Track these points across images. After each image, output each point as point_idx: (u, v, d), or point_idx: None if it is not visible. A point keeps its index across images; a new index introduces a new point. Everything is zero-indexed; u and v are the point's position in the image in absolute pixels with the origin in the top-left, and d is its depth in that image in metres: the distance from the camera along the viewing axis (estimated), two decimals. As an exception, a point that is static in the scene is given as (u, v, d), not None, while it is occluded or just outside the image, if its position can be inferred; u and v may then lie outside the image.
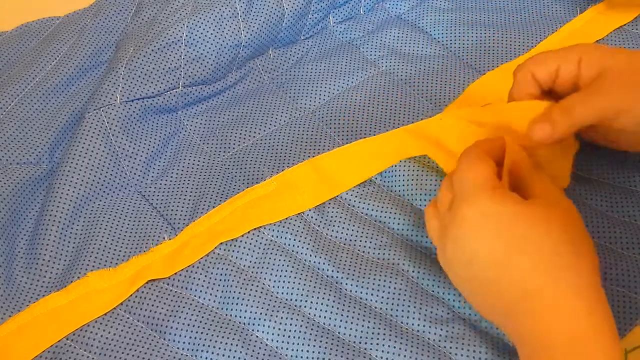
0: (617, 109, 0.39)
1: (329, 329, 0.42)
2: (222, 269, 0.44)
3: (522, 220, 0.34)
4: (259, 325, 0.42)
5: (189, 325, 0.42)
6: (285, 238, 0.46)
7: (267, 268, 0.44)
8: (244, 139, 0.52)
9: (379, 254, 0.44)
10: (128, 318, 0.43)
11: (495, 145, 0.39)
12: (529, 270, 0.34)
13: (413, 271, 0.43)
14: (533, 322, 0.33)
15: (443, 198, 0.38)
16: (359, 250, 0.45)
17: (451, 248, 0.36)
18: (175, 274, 0.45)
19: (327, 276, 0.44)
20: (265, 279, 0.44)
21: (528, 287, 0.33)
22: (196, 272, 0.45)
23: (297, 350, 0.41)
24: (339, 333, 0.42)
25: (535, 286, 0.33)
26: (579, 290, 0.33)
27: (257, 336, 0.42)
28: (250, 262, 0.45)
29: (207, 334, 0.42)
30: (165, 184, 0.50)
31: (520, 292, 0.34)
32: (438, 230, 0.38)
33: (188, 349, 0.42)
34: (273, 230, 0.46)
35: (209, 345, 0.41)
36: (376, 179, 0.48)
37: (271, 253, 0.45)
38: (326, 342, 0.41)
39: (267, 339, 0.42)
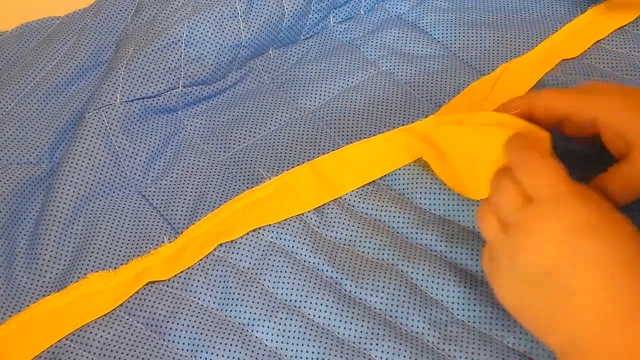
0: None
1: (328, 330, 0.42)
2: (222, 270, 0.44)
3: (609, 230, 0.31)
4: (258, 325, 0.42)
5: (188, 326, 0.42)
6: (285, 239, 0.46)
7: (267, 269, 0.44)
8: (244, 139, 0.52)
9: (378, 254, 0.44)
10: (128, 319, 0.43)
11: (535, 139, 0.36)
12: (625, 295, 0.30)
13: (412, 272, 0.43)
14: (592, 334, 0.30)
15: (509, 196, 0.34)
16: (358, 251, 0.45)
17: (523, 256, 0.33)
18: (175, 275, 0.45)
19: (327, 277, 0.44)
20: (264, 280, 0.44)
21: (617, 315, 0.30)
22: (196, 274, 0.45)
23: (296, 350, 0.41)
24: (338, 333, 0.42)
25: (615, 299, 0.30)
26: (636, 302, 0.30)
27: (256, 337, 0.42)
28: (250, 263, 0.45)
29: (206, 335, 0.42)
30: (165, 184, 0.50)
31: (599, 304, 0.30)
32: (498, 231, 0.35)
33: (188, 350, 0.42)
34: (272, 232, 0.46)
35: (208, 346, 0.41)
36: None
37: (270, 254, 0.45)
38: (326, 343, 0.41)
39: (267, 340, 0.42)
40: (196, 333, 0.42)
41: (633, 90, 0.38)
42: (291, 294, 0.43)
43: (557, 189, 0.33)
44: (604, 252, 0.31)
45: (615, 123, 0.36)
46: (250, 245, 0.45)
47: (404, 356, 0.40)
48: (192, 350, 0.42)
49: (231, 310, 0.43)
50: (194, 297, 0.44)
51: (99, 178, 0.48)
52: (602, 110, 0.37)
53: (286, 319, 0.42)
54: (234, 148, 0.51)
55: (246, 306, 0.43)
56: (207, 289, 0.44)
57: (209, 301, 0.44)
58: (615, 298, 0.30)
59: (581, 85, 0.39)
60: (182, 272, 0.45)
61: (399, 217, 0.46)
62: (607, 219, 0.32)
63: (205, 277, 0.44)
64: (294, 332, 0.42)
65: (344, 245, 0.46)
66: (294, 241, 0.45)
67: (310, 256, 0.45)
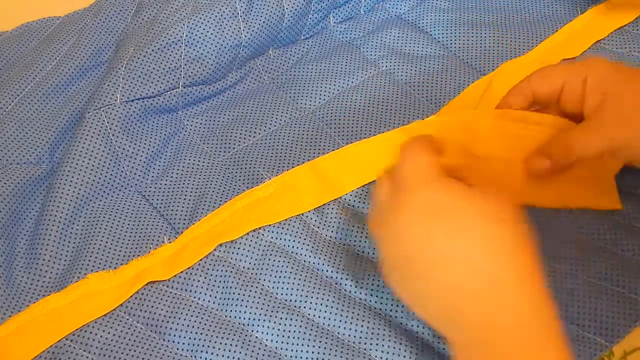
0: (616, 146, 0.39)
1: (328, 330, 0.42)
2: (222, 270, 0.44)
3: (466, 207, 0.33)
4: (258, 325, 0.42)
5: (188, 326, 0.42)
6: (285, 239, 0.46)
7: (267, 269, 0.44)
8: (244, 139, 0.52)
9: (378, 254, 0.44)
10: (128, 319, 0.43)
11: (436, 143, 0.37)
12: (478, 257, 0.32)
13: (413, 272, 0.43)
14: (479, 315, 0.32)
15: (380, 187, 0.36)
16: (358, 251, 0.45)
17: (389, 237, 0.34)
18: (175, 275, 0.45)
19: (327, 277, 0.44)
20: (264, 280, 0.44)
21: (475, 271, 0.32)
22: (196, 274, 0.45)
23: (296, 350, 0.41)
24: (338, 333, 0.42)
25: (480, 272, 0.32)
26: (520, 284, 0.32)
27: (256, 337, 0.42)
28: (250, 263, 0.45)
29: (206, 335, 0.42)
30: (165, 184, 0.50)
31: (464, 277, 0.32)
32: (376, 218, 0.36)
33: (188, 350, 0.42)
34: (272, 232, 0.46)
35: (208, 346, 0.41)
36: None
37: (270, 254, 0.45)
38: (326, 343, 0.41)
39: (267, 340, 0.42)
40: (196, 333, 0.42)
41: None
42: (291, 294, 0.43)
43: (414, 179, 0.34)
44: (456, 232, 0.32)
45: (597, 80, 0.39)
46: (250, 245, 0.45)
47: (404, 356, 0.40)
48: (192, 350, 0.42)
49: (231, 310, 0.43)
50: (194, 297, 0.44)
51: (99, 178, 0.48)
52: (590, 71, 0.40)
53: (286, 319, 0.42)
54: (234, 148, 0.51)
55: (246, 306, 0.43)
56: (207, 289, 0.44)
57: (209, 301, 0.44)
58: (475, 272, 0.32)
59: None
60: (182, 272, 0.45)
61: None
62: (462, 201, 0.33)
63: (205, 277, 0.44)
64: (294, 332, 0.42)
65: (344, 245, 0.46)
66: (294, 241, 0.45)
67: (310, 256, 0.45)
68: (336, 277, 0.44)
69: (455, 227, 0.32)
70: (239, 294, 0.43)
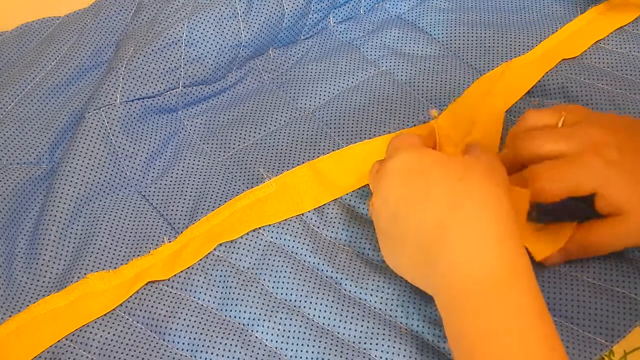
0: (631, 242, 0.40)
1: (328, 329, 0.42)
2: (222, 270, 0.44)
3: (440, 166, 0.36)
4: (258, 325, 0.42)
5: (188, 326, 0.42)
6: (285, 239, 0.46)
7: (267, 269, 0.44)
8: (244, 139, 0.52)
9: (378, 254, 0.44)
10: (127, 319, 0.43)
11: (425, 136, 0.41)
12: (445, 210, 0.34)
13: (412, 272, 0.43)
14: (449, 265, 0.34)
15: (374, 167, 0.40)
16: (358, 251, 0.45)
17: (377, 204, 0.38)
18: (175, 275, 0.45)
19: (327, 277, 0.44)
20: (264, 280, 0.44)
21: (443, 224, 0.34)
22: (195, 274, 0.45)
23: (296, 350, 0.41)
24: (338, 333, 0.42)
25: (450, 224, 0.34)
26: (489, 234, 0.34)
27: (256, 337, 0.42)
28: (250, 263, 0.45)
29: (206, 335, 0.42)
30: (165, 184, 0.50)
31: (436, 231, 0.34)
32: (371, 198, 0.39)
33: (187, 350, 0.42)
34: (272, 232, 0.46)
35: (208, 346, 0.41)
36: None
37: (270, 254, 0.45)
38: (325, 343, 0.41)
39: (267, 340, 0.42)
40: (196, 333, 0.42)
41: (626, 136, 0.40)
42: (291, 294, 0.43)
43: (398, 148, 0.38)
44: (429, 189, 0.35)
45: (612, 194, 0.38)
46: (250, 245, 0.45)
47: (404, 356, 0.40)
48: (192, 350, 0.42)
49: (231, 310, 0.43)
50: (194, 297, 0.44)
51: (99, 178, 0.48)
52: (599, 181, 0.38)
53: (286, 319, 0.42)
54: (233, 148, 0.51)
55: (246, 306, 0.43)
56: (207, 289, 0.44)
57: (208, 301, 0.44)
58: (443, 226, 0.34)
59: (573, 130, 0.40)
60: (182, 272, 0.45)
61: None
62: (431, 163, 0.36)
63: (205, 277, 0.44)
64: (294, 332, 0.42)
65: (344, 245, 0.46)
66: (293, 241, 0.45)
67: (310, 256, 0.45)
68: (336, 277, 0.44)
69: (425, 185, 0.35)
70: (238, 294, 0.43)
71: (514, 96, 0.51)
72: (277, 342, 0.42)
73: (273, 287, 0.44)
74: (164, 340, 0.42)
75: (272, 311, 0.43)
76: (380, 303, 0.43)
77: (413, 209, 0.36)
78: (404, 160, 0.37)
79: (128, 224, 0.48)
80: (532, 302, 0.33)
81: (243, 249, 0.45)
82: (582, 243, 0.40)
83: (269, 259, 0.45)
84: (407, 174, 0.37)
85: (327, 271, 0.44)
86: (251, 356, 0.41)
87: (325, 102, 0.53)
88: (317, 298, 0.43)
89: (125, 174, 0.49)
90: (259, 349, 0.41)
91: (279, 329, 0.42)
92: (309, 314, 0.43)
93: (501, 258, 0.34)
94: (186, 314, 0.43)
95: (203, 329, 0.42)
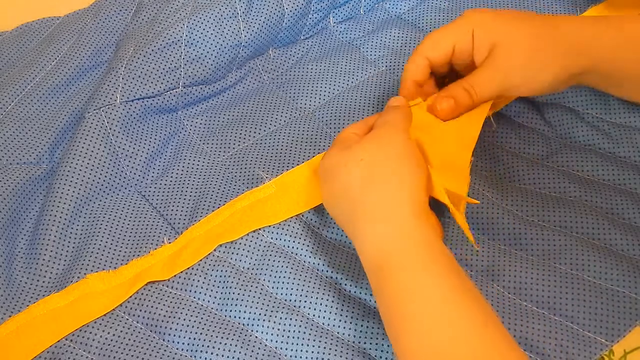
0: (510, 85, 0.42)
1: (328, 329, 0.42)
2: (222, 270, 0.44)
3: (346, 153, 0.40)
4: (258, 325, 0.42)
5: (188, 326, 0.42)
6: (285, 239, 0.46)
7: (266, 269, 0.44)
8: (244, 139, 0.52)
9: (378, 254, 0.44)
10: (127, 319, 0.43)
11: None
12: (356, 190, 0.39)
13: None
14: (361, 240, 0.38)
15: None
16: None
17: (322, 174, 0.42)
18: (175, 275, 0.45)
19: (326, 277, 0.44)
20: (264, 280, 0.44)
21: (355, 197, 0.39)
22: (195, 274, 0.45)
23: (296, 350, 0.41)
24: (338, 333, 0.42)
25: (360, 196, 0.38)
26: (392, 213, 0.37)
27: (256, 337, 0.42)
28: (250, 263, 0.45)
29: (206, 335, 0.42)
30: (165, 184, 0.50)
31: (352, 209, 0.39)
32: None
33: (187, 350, 0.42)
34: (272, 232, 0.46)
35: (208, 346, 0.41)
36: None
37: (270, 255, 0.45)
38: (325, 342, 0.41)
39: (267, 340, 0.42)
40: (196, 333, 0.42)
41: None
42: (291, 294, 0.43)
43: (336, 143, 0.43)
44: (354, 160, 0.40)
45: (485, 31, 0.42)
46: (250, 246, 0.45)
47: (404, 356, 0.40)
48: (192, 350, 0.42)
49: (231, 311, 0.43)
50: (194, 297, 0.44)
51: (99, 178, 0.48)
52: (475, 24, 0.43)
53: (286, 319, 0.42)
54: (233, 148, 0.51)
55: (246, 306, 0.43)
56: (207, 289, 0.44)
57: (208, 301, 0.44)
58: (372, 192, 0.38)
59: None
60: (182, 272, 0.45)
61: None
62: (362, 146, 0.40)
63: (205, 278, 0.44)
64: (294, 332, 0.42)
65: (344, 245, 0.46)
66: (293, 241, 0.45)
67: (310, 256, 0.45)
68: (336, 277, 0.44)
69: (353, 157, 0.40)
70: (238, 294, 0.43)
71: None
72: (277, 342, 0.42)
73: (273, 287, 0.44)
74: (164, 340, 0.42)
75: (272, 311, 0.42)
76: (380, 303, 0.43)
77: (337, 192, 0.40)
78: (327, 162, 0.41)
79: (128, 224, 0.48)
80: (439, 277, 0.35)
81: (243, 250, 0.45)
82: (464, 86, 0.42)
83: (269, 260, 0.45)
84: (343, 149, 0.41)
85: (327, 271, 0.44)
86: (251, 356, 0.41)
87: (325, 102, 0.53)
88: (317, 298, 0.43)
89: (125, 174, 0.49)
90: (259, 349, 0.41)
91: (279, 329, 0.42)
92: (308, 314, 0.43)
93: (410, 233, 0.36)
94: (186, 314, 0.43)
95: (203, 329, 0.42)
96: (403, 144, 0.40)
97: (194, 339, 0.42)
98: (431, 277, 0.34)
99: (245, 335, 0.42)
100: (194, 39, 0.51)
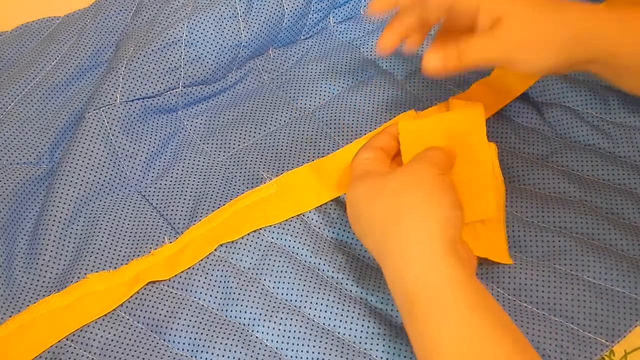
0: (508, 58, 0.40)
1: (328, 329, 0.42)
2: (222, 270, 0.44)
3: (375, 188, 0.40)
4: (258, 325, 0.42)
5: (188, 326, 0.42)
6: (285, 239, 0.46)
7: (267, 269, 0.44)
8: (244, 139, 0.52)
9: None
10: (128, 319, 0.43)
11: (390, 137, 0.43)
12: (387, 224, 0.38)
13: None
14: (393, 272, 0.38)
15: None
16: (358, 251, 0.45)
17: (349, 206, 0.41)
18: (175, 275, 0.45)
19: (327, 277, 0.44)
20: (265, 280, 0.44)
21: (385, 236, 0.38)
22: (196, 274, 0.45)
23: (297, 350, 0.41)
24: (338, 333, 0.42)
25: (390, 236, 0.38)
26: (423, 250, 0.36)
27: (256, 337, 0.42)
28: (250, 263, 0.45)
29: (207, 335, 0.42)
30: (165, 184, 0.50)
31: (382, 241, 0.38)
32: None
33: (188, 350, 0.42)
34: (273, 232, 0.46)
35: (208, 346, 0.41)
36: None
37: (271, 254, 0.45)
38: (326, 342, 0.41)
39: (267, 340, 0.42)
40: (196, 333, 0.42)
41: None
42: (291, 294, 0.43)
43: (356, 170, 0.42)
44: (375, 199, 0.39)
45: (492, 1, 0.40)
46: (250, 246, 0.45)
47: (404, 356, 0.40)
48: (192, 350, 0.42)
49: (231, 311, 0.43)
50: (195, 297, 0.44)
51: (99, 178, 0.48)
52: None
53: (286, 319, 0.42)
54: (233, 148, 0.51)
55: (246, 306, 0.43)
56: (207, 289, 0.44)
57: (209, 301, 0.44)
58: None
59: None
60: (182, 272, 0.45)
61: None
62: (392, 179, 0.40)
63: (205, 277, 0.44)
64: (294, 332, 0.42)
65: (345, 245, 0.46)
66: (294, 241, 0.45)
67: (310, 256, 0.45)
68: (336, 277, 0.44)
69: (369, 209, 0.39)
70: (239, 294, 0.43)
71: (505, 98, 0.51)
72: (277, 342, 0.42)
73: (273, 287, 0.44)
74: (164, 340, 0.42)
75: (272, 311, 0.43)
76: (381, 303, 0.43)
77: (366, 224, 0.40)
78: (352, 193, 0.41)
79: (128, 224, 0.48)
80: (468, 313, 0.35)
81: (244, 250, 0.45)
82: (458, 49, 0.40)
83: (269, 259, 0.45)
84: (355, 201, 0.40)
85: (327, 271, 0.44)
86: (251, 356, 0.41)
87: (325, 102, 0.53)
88: (317, 298, 0.43)
89: (125, 174, 0.49)
90: (259, 349, 0.41)
91: (279, 329, 0.42)
92: (309, 314, 0.43)
93: (440, 271, 0.36)
94: (186, 314, 0.43)
95: (203, 329, 0.42)
96: (435, 179, 0.39)
97: (195, 338, 0.42)
98: (460, 315, 0.35)
99: (246, 335, 0.42)
100: (194, 39, 0.51)
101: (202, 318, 0.43)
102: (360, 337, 0.41)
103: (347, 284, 0.44)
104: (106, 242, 0.46)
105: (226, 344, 0.41)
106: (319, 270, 0.44)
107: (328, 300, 0.43)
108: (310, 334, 0.41)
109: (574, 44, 0.40)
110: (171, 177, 0.50)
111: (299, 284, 0.44)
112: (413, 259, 0.36)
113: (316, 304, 0.43)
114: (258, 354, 0.41)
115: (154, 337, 0.42)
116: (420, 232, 0.37)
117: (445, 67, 0.41)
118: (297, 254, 0.45)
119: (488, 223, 0.44)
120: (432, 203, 0.38)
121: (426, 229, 0.37)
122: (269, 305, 0.43)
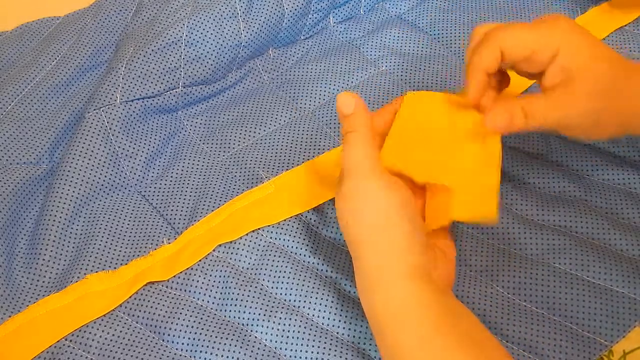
0: (566, 126, 0.38)
1: (327, 329, 0.42)
2: (221, 270, 0.44)
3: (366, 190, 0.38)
4: (257, 326, 0.42)
5: (187, 326, 0.42)
6: (284, 239, 0.46)
7: (266, 269, 0.44)
8: (244, 139, 0.52)
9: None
10: (127, 319, 0.43)
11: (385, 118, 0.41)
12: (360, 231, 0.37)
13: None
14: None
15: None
16: (358, 251, 0.45)
17: (338, 210, 0.39)
18: (174, 276, 0.45)
19: (326, 277, 0.44)
20: (264, 280, 0.44)
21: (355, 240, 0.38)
22: (195, 274, 0.45)
23: (296, 350, 0.41)
24: (337, 333, 0.42)
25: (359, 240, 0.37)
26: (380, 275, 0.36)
27: (255, 337, 0.42)
28: (249, 263, 0.45)
29: (206, 335, 0.42)
30: (165, 184, 0.50)
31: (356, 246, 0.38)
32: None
33: (187, 350, 0.42)
34: (272, 232, 0.46)
35: (207, 346, 0.41)
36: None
37: (270, 254, 0.45)
38: (325, 342, 0.41)
39: (266, 340, 0.42)
40: (195, 333, 0.42)
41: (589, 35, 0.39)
42: (290, 294, 0.43)
43: (348, 171, 0.40)
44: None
45: (570, 54, 0.38)
46: (249, 246, 0.45)
47: (404, 356, 0.40)
48: (191, 351, 0.42)
49: (230, 311, 0.43)
50: (194, 298, 0.44)
51: (99, 178, 0.48)
52: (562, 42, 0.38)
53: (285, 319, 0.42)
54: (233, 148, 0.51)
55: (245, 306, 0.43)
56: (206, 290, 0.44)
57: (208, 301, 0.44)
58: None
59: (541, 20, 0.40)
60: (181, 272, 0.45)
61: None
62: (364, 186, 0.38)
63: (204, 278, 0.44)
64: (294, 332, 0.42)
65: (344, 245, 0.46)
66: (293, 241, 0.45)
67: (309, 256, 0.45)
68: (336, 277, 0.44)
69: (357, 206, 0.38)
70: (238, 294, 0.43)
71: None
72: (276, 342, 0.42)
73: (272, 287, 0.44)
74: (163, 340, 0.42)
75: (271, 311, 0.43)
76: (380, 303, 0.43)
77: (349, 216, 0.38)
78: (349, 186, 0.38)
79: (128, 224, 0.48)
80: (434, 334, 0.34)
81: (243, 250, 0.45)
82: (523, 106, 0.38)
83: (268, 259, 0.45)
84: (350, 197, 0.38)
85: (326, 271, 0.44)
86: (250, 356, 0.41)
87: (325, 102, 0.53)
88: (316, 298, 0.43)
89: (125, 174, 0.49)
90: (259, 349, 0.41)
91: (278, 329, 0.42)
92: (308, 314, 0.43)
93: (404, 297, 0.35)
94: (186, 315, 0.43)
95: (202, 329, 0.42)
96: (376, 200, 0.37)
97: (194, 339, 0.42)
98: (428, 338, 0.34)
99: (245, 335, 0.42)
100: (194, 39, 0.52)
101: (201, 318, 0.43)
102: (360, 338, 0.41)
103: (346, 284, 0.44)
104: (106, 242, 0.46)
105: (225, 344, 0.41)
106: (317, 270, 0.44)
107: (327, 300, 0.43)
108: (309, 334, 0.41)
109: (636, 120, 0.38)
110: (171, 177, 0.50)
111: (297, 284, 0.44)
112: (377, 290, 0.36)
113: (315, 303, 0.43)
114: (257, 354, 0.41)
115: (153, 338, 0.42)
116: (379, 262, 0.36)
117: (510, 127, 0.39)
118: (296, 253, 0.45)
119: (480, 175, 0.40)
120: (384, 230, 0.37)
121: (385, 258, 0.36)
122: (268, 305, 0.43)
